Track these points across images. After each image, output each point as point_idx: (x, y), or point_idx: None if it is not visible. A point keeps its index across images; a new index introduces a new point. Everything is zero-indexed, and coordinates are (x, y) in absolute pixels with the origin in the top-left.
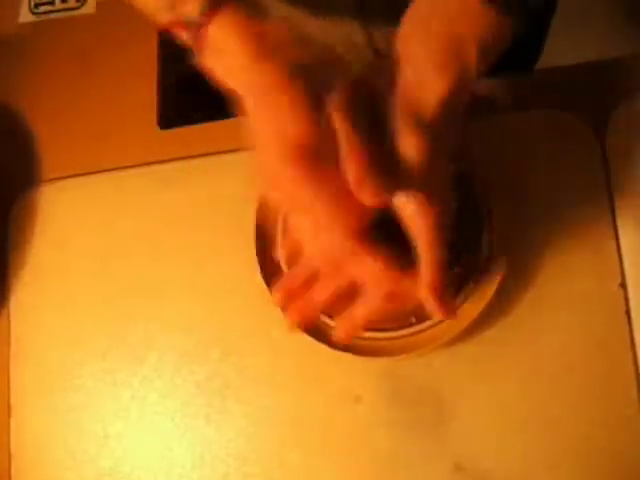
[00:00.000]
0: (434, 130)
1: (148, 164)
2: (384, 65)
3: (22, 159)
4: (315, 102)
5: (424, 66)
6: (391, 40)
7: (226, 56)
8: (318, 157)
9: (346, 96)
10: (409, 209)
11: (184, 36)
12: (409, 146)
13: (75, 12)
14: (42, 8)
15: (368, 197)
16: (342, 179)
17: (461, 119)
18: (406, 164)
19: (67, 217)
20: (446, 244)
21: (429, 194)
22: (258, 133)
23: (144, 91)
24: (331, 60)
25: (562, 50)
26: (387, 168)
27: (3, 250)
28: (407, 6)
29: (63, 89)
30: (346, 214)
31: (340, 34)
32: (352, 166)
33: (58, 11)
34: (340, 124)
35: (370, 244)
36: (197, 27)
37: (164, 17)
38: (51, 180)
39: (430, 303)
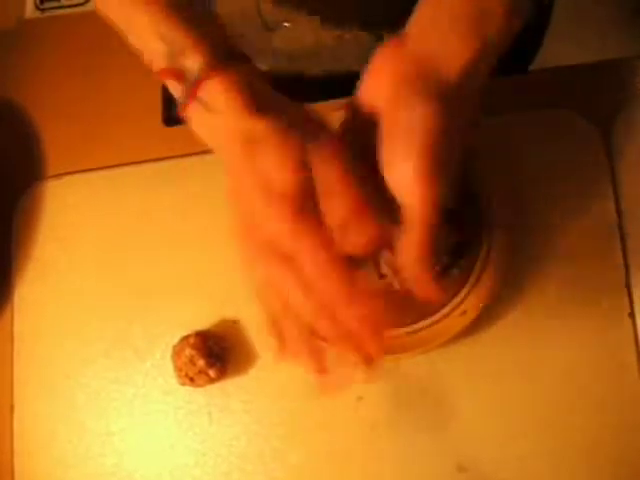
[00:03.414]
0: (451, 100)
1: (153, 161)
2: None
3: (26, 155)
4: (302, 153)
5: (447, 34)
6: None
7: (215, 109)
8: (302, 206)
9: (333, 145)
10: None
11: (172, 85)
12: (404, 171)
13: (80, 8)
14: (48, 4)
15: (353, 241)
16: (324, 231)
17: (477, 96)
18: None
19: (71, 213)
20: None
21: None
22: (240, 181)
23: (149, 88)
24: (315, 118)
25: (567, 50)
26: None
27: (7, 246)
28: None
29: (68, 85)
30: (329, 263)
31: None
32: (337, 210)
33: (64, 7)
34: (327, 168)
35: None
36: (192, 81)
37: (159, 64)
38: (55, 176)
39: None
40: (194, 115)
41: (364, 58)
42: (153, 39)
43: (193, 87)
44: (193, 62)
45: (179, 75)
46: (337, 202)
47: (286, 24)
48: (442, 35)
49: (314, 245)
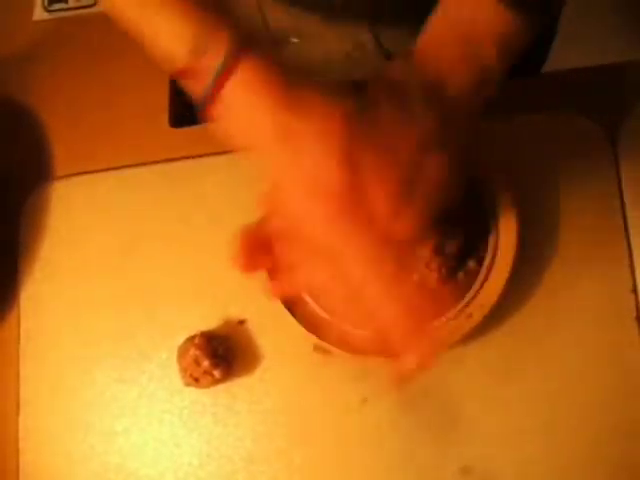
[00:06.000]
0: (452, 124)
1: (159, 162)
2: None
3: (34, 156)
4: (349, 148)
5: (445, 65)
6: (409, 44)
7: (246, 106)
8: (350, 203)
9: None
10: None
11: (193, 85)
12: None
13: (88, 10)
14: (56, 6)
15: (404, 228)
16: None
17: (477, 116)
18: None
19: (78, 214)
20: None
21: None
22: (282, 174)
23: (156, 89)
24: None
25: (576, 53)
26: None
27: (15, 246)
28: (416, 9)
29: (76, 87)
30: (378, 259)
31: (348, 34)
32: (384, 200)
33: (72, 9)
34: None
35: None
36: (216, 77)
37: (178, 63)
38: (63, 177)
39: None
40: (220, 114)
41: (373, 74)
42: (169, 38)
43: (217, 84)
44: (214, 58)
45: (200, 73)
46: (382, 187)
47: (294, 40)
48: (442, 65)
49: (363, 244)
